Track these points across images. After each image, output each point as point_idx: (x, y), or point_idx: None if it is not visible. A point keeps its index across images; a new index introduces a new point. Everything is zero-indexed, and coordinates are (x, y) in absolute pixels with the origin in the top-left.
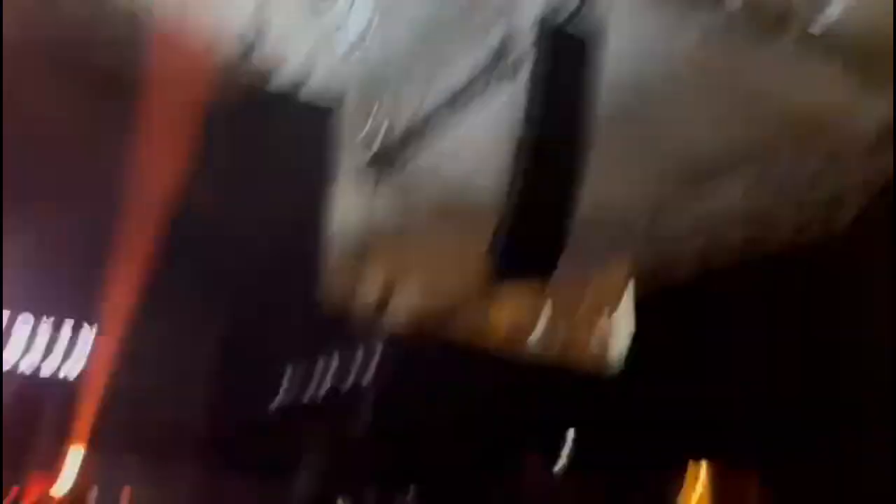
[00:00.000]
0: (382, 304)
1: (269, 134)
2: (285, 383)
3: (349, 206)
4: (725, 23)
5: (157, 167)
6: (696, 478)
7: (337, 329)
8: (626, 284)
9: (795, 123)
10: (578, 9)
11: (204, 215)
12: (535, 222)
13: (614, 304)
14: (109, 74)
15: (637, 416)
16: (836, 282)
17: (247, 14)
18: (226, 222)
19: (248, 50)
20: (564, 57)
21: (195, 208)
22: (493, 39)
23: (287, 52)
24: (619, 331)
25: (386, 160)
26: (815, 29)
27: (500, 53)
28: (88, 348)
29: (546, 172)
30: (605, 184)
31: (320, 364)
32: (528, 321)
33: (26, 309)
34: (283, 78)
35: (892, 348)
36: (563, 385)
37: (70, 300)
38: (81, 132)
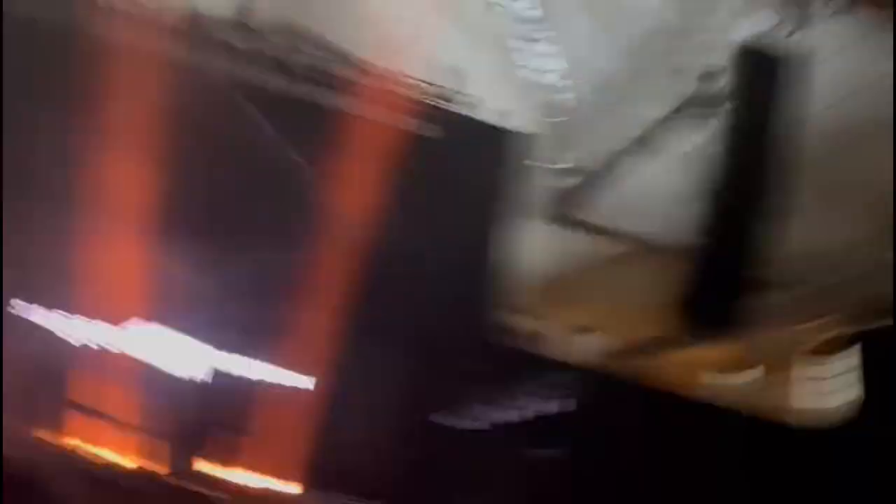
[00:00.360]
0: (567, 344)
1: (463, 168)
2: (468, 421)
3: (538, 244)
4: None
5: (355, 201)
6: None
7: (519, 366)
8: (842, 335)
9: None
10: (786, 36)
11: (396, 250)
12: (726, 271)
13: (830, 355)
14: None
15: (852, 476)
16: None
17: (451, 55)
18: (417, 257)
19: (449, 90)
20: (765, 86)
21: (387, 244)
22: (684, 82)
23: (484, 94)
24: (835, 386)
25: (574, 200)
26: None
27: (690, 97)
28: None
29: (737, 216)
30: (813, 228)
31: (502, 402)
32: (732, 370)
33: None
34: (479, 117)
35: None
36: (767, 441)
37: (262, 339)
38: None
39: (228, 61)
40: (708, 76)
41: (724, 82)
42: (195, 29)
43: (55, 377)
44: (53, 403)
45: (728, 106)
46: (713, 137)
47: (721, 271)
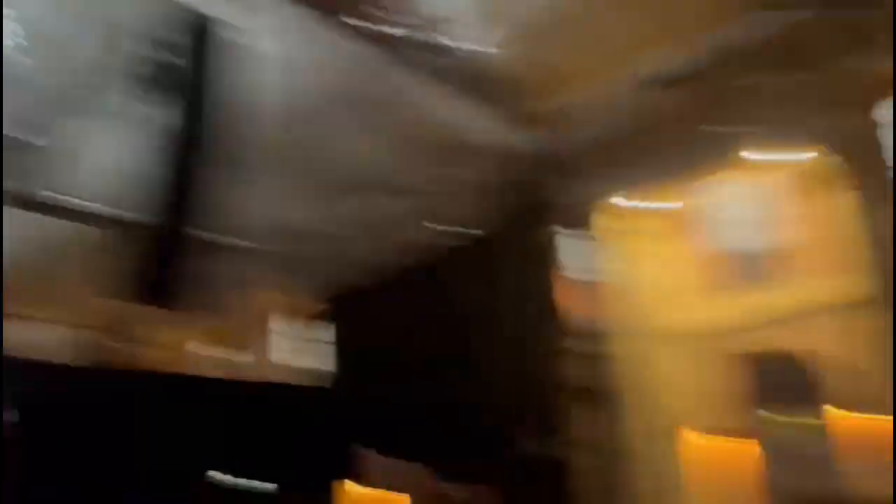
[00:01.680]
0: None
1: None
2: None
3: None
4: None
5: None
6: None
7: None
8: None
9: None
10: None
11: None
12: (168, 242)
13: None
14: None
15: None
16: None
17: None
18: None
19: None
20: (203, 59)
21: None
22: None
23: None
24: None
25: (34, 179)
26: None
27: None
28: None
29: (177, 188)
30: (273, 200)
31: None
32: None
33: None
34: None
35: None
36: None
37: None
38: None
39: None
40: (157, 45)
41: (169, 53)
42: None
43: None
44: None
45: (172, 77)
46: (160, 109)
47: (163, 243)
